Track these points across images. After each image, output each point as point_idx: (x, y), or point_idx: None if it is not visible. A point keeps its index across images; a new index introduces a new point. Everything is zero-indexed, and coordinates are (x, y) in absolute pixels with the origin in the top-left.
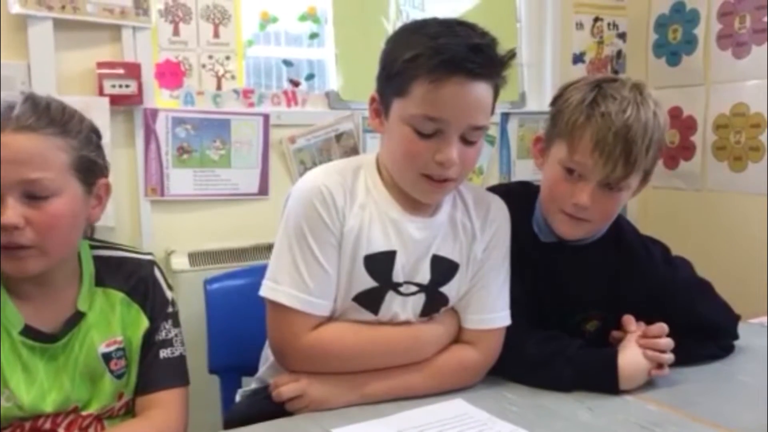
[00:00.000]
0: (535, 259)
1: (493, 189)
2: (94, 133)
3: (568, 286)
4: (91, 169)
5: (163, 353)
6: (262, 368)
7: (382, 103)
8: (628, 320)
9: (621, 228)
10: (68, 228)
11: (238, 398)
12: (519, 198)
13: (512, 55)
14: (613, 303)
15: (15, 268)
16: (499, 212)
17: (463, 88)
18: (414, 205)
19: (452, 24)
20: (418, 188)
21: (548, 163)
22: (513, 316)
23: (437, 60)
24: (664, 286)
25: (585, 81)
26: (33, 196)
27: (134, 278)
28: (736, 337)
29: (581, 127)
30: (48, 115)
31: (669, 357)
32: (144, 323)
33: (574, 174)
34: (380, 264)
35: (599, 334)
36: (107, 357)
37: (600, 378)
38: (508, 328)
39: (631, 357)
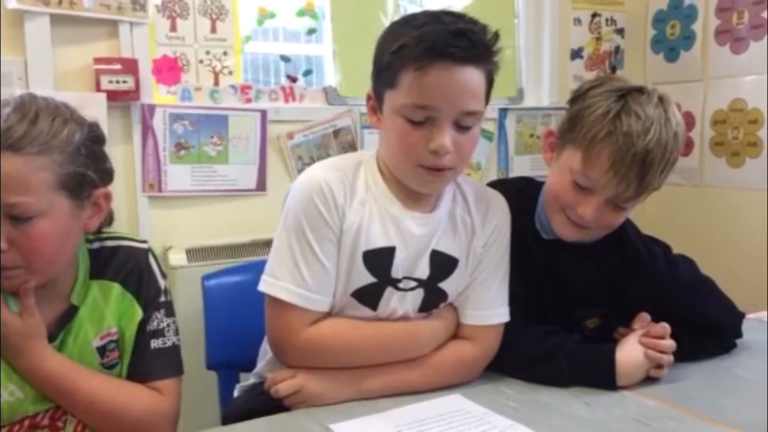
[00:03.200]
0: (537, 256)
1: (495, 184)
2: (92, 140)
3: (569, 283)
4: (81, 183)
5: (154, 344)
6: (261, 363)
7: (376, 99)
8: (641, 317)
9: (623, 227)
10: (54, 247)
11: (236, 393)
12: (522, 194)
13: (496, 37)
14: (614, 301)
15: (5, 286)
16: (500, 208)
17: (448, 74)
18: (414, 200)
19: (439, 14)
20: (415, 179)
21: (558, 164)
22: (512, 312)
23: (421, 48)
24: (666, 285)
25: (610, 86)
26: (16, 217)
27: (128, 267)
28: (739, 335)
29: (600, 143)
30: (33, 131)
31: (669, 359)
32: (138, 313)
33: (584, 186)
34: (379, 260)
35: (599, 331)
36: (102, 350)
37: (597, 373)
38: (507, 324)
39: (629, 353)
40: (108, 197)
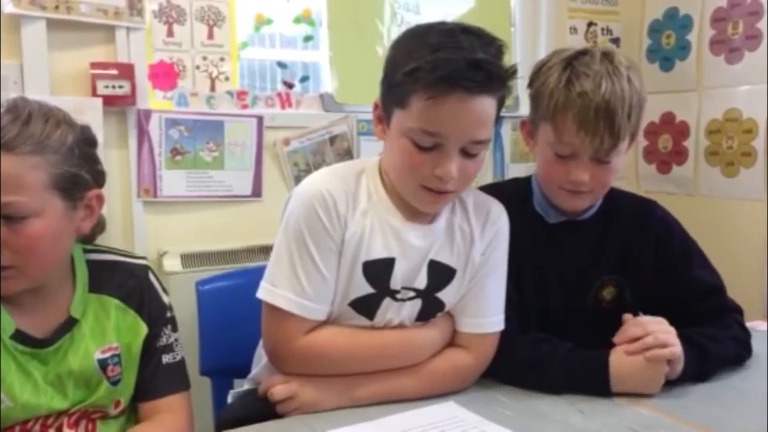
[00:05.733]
0: (548, 242)
1: (485, 189)
2: (85, 142)
3: (582, 259)
4: (75, 184)
5: (166, 359)
6: (255, 369)
7: (384, 111)
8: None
9: (612, 191)
10: (48, 248)
11: (229, 399)
12: (514, 194)
13: (514, 71)
14: (627, 265)
15: None
16: (499, 216)
17: (462, 105)
18: (414, 211)
19: (456, 33)
20: (417, 199)
21: (539, 145)
22: (507, 318)
23: (435, 76)
24: (665, 230)
25: (555, 59)
26: (9, 217)
27: (129, 284)
28: (738, 308)
29: (562, 110)
30: (26, 131)
31: (669, 351)
32: (143, 330)
33: (566, 153)
34: (379, 271)
35: (615, 303)
36: (103, 363)
37: (590, 378)
38: (501, 331)
39: (623, 356)
40: (100, 199)
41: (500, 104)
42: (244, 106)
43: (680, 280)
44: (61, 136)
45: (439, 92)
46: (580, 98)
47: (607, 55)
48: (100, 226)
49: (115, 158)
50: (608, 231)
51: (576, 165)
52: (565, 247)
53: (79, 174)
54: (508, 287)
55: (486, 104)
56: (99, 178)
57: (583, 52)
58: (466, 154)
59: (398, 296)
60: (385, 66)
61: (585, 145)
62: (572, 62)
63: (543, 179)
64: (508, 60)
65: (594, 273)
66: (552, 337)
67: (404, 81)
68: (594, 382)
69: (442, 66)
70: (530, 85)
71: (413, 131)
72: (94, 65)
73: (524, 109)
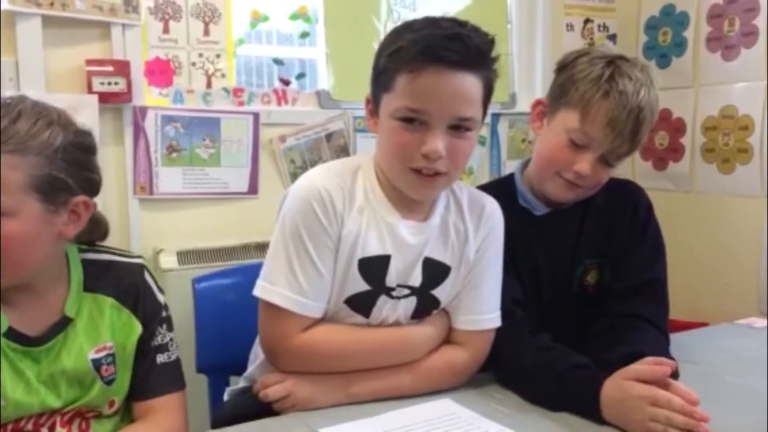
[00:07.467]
0: (535, 234)
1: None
2: (77, 147)
3: (566, 247)
4: (56, 188)
5: (160, 358)
6: (251, 367)
7: (374, 103)
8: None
9: None
10: (21, 249)
11: (226, 397)
12: (501, 192)
13: (491, 42)
14: (606, 246)
15: None
16: (494, 213)
17: (441, 77)
18: (409, 208)
19: (438, 19)
20: (407, 183)
21: (551, 128)
22: (515, 322)
23: (415, 51)
24: (635, 205)
25: (596, 54)
26: None
27: (124, 283)
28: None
29: (598, 102)
30: (11, 130)
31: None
32: (137, 329)
33: (582, 143)
34: (374, 268)
35: (599, 287)
36: (97, 363)
37: (582, 401)
38: (508, 336)
39: (621, 385)
40: (88, 206)
41: (487, 87)
42: (241, 103)
43: (626, 253)
44: (50, 137)
45: (418, 65)
46: (620, 96)
47: (645, 67)
48: (100, 233)
49: (111, 155)
50: (587, 216)
51: (584, 157)
52: (551, 238)
53: (61, 178)
54: (515, 287)
55: (467, 80)
56: (90, 185)
57: (624, 57)
58: (454, 133)
59: (393, 293)
60: (374, 60)
61: (606, 142)
62: (616, 61)
63: (544, 163)
64: (503, 60)
65: (577, 259)
66: (559, 346)
67: (388, 63)
68: (585, 406)
69: (421, 41)
70: (562, 70)
71: (399, 111)
72: (89, 62)
73: (521, 106)
